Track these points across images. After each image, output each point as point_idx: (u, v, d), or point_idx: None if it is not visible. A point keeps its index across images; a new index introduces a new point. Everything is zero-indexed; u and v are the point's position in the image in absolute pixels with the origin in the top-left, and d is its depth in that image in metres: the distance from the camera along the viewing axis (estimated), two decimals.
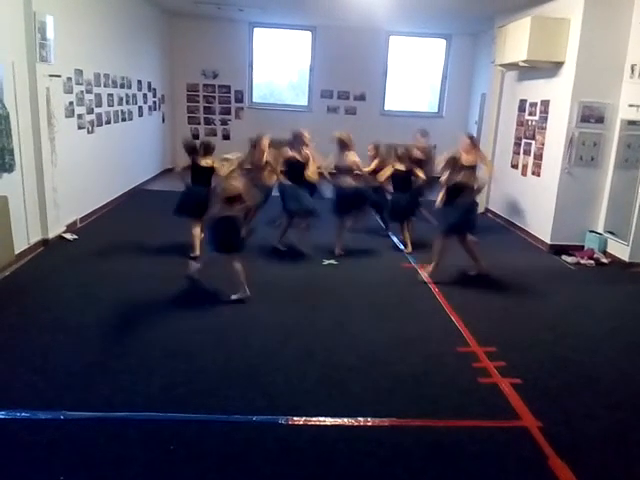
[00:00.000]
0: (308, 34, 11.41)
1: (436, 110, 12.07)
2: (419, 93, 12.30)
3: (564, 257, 6.46)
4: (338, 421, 3.03)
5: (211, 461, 2.67)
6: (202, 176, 5.54)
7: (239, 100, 11.64)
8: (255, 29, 11.36)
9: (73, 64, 6.48)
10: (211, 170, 5.48)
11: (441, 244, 5.49)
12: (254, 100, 11.84)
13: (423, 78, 12.14)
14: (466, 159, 5.67)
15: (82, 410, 2.99)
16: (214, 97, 11.60)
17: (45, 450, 2.68)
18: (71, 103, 6.45)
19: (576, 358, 3.96)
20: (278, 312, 4.49)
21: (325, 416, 3.06)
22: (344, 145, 6.08)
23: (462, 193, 5.42)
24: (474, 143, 5.95)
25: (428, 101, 12.24)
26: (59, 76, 5.96)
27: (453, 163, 5.55)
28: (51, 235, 5.92)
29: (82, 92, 6.76)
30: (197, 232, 5.63)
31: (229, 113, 11.68)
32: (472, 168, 5.72)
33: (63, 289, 4.76)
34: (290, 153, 6.04)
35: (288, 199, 6.04)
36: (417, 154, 6.70)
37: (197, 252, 5.59)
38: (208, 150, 5.64)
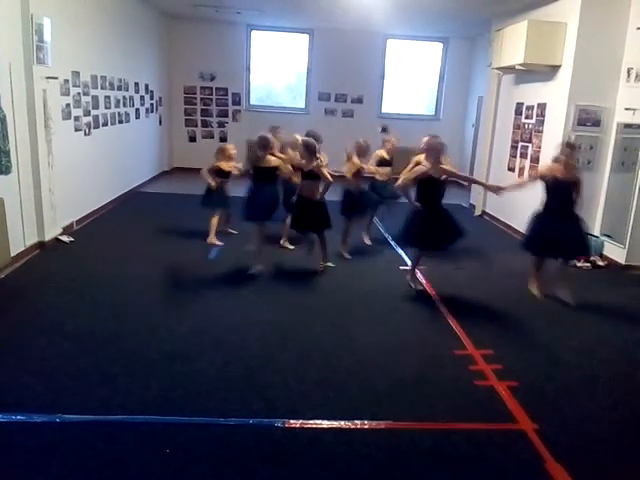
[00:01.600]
0: (305, 37, 11.44)
1: (433, 113, 12.11)
2: (416, 96, 12.33)
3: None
4: (335, 424, 3.02)
5: (208, 464, 2.66)
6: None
7: (236, 102, 11.66)
8: (253, 32, 11.38)
9: (70, 66, 6.47)
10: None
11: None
12: (251, 102, 11.86)
13: (420, 81, 12.17)
14: (565, 175, 4.64)
15: (79, 413, 2.97)
16: (211, 99, 11.62)
17: (41, 453, 2.66)
18: (68, 105, 6.44)
19: (573, 360, 3.97)
20: (276, 315, 4.49)
21: (322, 419, 3.05)
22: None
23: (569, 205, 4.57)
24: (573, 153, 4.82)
25: (425, 104, 12.28)
26: (56, 78, 5.95)
27: (551, 182, 4.68)
28: (47, 237, 5.90)
29: (79, 94, 6.75)
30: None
31: (226, 115, 11.69)
32: (571, 188, 4.69)
33: (59, 291, 4.74)
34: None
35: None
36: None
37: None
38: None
